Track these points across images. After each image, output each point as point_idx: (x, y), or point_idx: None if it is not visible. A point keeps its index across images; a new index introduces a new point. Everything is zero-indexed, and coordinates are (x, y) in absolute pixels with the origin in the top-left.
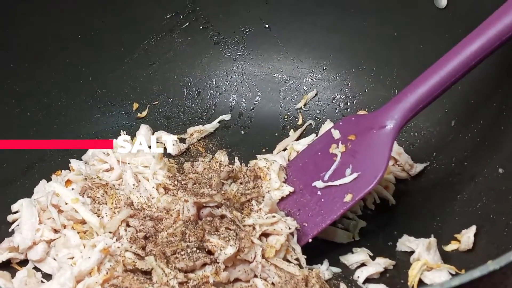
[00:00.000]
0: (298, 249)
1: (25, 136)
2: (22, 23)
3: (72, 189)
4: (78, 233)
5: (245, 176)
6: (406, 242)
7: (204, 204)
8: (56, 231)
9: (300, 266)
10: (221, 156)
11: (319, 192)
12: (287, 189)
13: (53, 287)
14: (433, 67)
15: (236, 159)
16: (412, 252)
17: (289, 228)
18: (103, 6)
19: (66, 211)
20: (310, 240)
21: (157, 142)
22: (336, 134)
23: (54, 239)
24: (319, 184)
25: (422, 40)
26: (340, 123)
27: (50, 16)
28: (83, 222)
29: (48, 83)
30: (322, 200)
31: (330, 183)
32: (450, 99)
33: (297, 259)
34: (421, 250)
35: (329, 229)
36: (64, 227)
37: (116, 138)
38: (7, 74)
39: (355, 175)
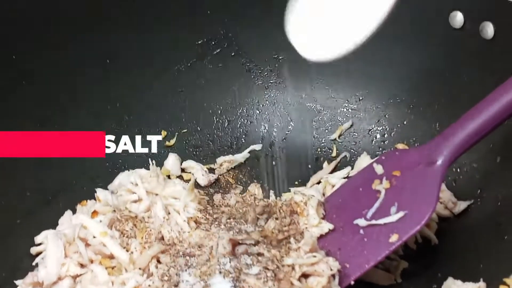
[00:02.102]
0: None
1: (48, 163)
2: (49, 49)
3: (100, 221)
4: (106, 268)
5: (281, 211)
6: (452, 286)
7: (240, 242)
8: (82, 266)
9: None
10: (255, 189)
11: (361, 231)
12: (327, 226)
13: None
14: (486, 101)
15: (272, 193)
16: None
17: (331, 269)
18: (133, 31)
19: (93, 245)
20: (352, 283)
21: (185, 172)
22: (379, 169)
23: (81, 275)
24: (361, 222)
25: (466, 73)
26: (383, 158)
27: (77, 39)
28: (111, 257)
29: (75, 109)
30: (365, 239)
31: (373, 222)
32: (495, 134)
33: None
34: None
35: (369, 269)
36: (91, 262)
37: (143, 167)
38: (33, 101)
39: (401, 213)
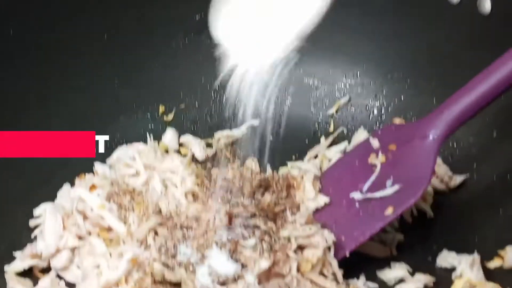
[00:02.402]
0: (335, 263)
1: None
2: (48, 21)
3: (98, 194)
4: (104, 240)
5: (278, 185)
6: (447, 258)
7: (237, 215)
8: (80, 238)
9: (337, 281)
10: (252, 164)
11: (357, 204)
12: (323, 199)
13: None
14: (481, 76)
15: (268, 166)
16: (453, 269)
17: (327, 242)
18: (131, 6)
19: (91, 218)
20: (347, 255)
21: (183, 147)
22: (375, 143)
23: (79, 247)
24: (357, 195)
25: (463, 48)
26: (380, 132)
27: (77, 14)
28: (109, 229)
29: (73, 84)
30: (361, 212)
31: (369, 195)
32: (492, 109)
33: (333, 274)
34: (464, 267)
35: (365, 242)
36: (89, 234)
37: (142, 141)
38: (32, 76)
39: (396, 187)
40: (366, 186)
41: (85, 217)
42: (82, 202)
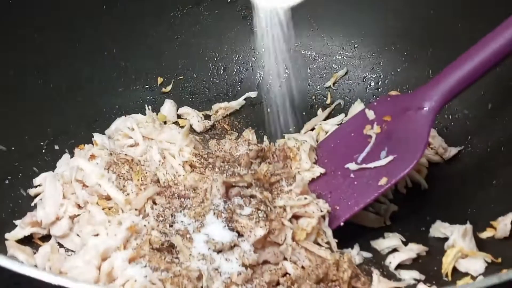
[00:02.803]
0: (329, 232)
1: (48, 108)
2: None
3: (97, 163)
4: (103, 209)
5: (274, 156)
6: (440, 228)
7: (234, 184)
8: (80, 206)
9: (331, 250)
10: (249, 135)
11: (352, 175)
12: (318, 170)
13: (78, 264)
14: (476, 47)
15: (265, 138)
16: (446, 239)
17: (321, 211)
18: None
19: (90, 187)
20: (342, 224)
21: (181, 118)
22: (370, 114)
23: (78, 215)
24: (352, 166)
25: (459, 20)
26: (375, 104)
27: None
28: (108, 198)
29: (72, 55)
30: (355, 182)
31: (364, 166)
32: (487, 81)
33: (327, 243)
34: (456, 236)
35: (360, 213)
36: (88, 203)
37: (140, 112)
38: (31, 45)
39: (390, 157)
40: (361, 157)
41: (84, 186)
42: (81, 171)
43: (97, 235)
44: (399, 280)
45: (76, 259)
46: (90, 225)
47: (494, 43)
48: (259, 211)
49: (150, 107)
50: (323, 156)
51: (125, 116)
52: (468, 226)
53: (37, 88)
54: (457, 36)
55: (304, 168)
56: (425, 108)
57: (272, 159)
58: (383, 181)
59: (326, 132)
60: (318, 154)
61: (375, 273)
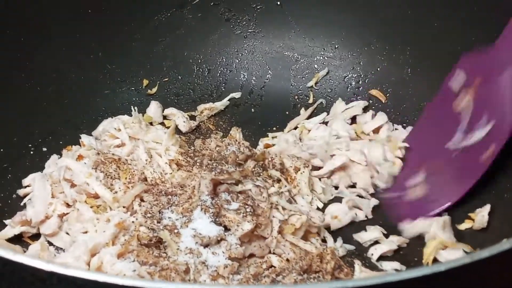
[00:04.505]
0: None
1: (35, 111)
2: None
3: (85, 163)
4: (91, 207)
5: (270, 164)
6: (417, 222)
7: (222, 181)
8: (68, 205)
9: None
10: (236, 133)
11: (453, 154)
12: (316, 203)
13: (68, 260)
14: None
15: (260, 143)
16: (425, 232)
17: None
18: None
19: (79, 186)
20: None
21: (167, 119)
22: (456, 84)
23: (67, 213)
24: (452, 145)
25: (436, 20)
26: (465, 63)
27: None
28: (96, 196)
29: (58, 58)
30: (459, 161)
31: (464, 143)
32: None
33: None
34: (435, 228)
35: None
36: (76, 201)
37: (126, 114)
38: (17, 48)
39: (489, 126)
40: (458, 135)
41: (72, 185)
42: (69, 171)
43: (86, 232)
44: (381, 271)
45: (66, 256)
46: (79, 223)
47: None
48: (246, 206)
49: (136, 108)
50: (414, 148)
51: (112, 117)
52: (447, 217)
53: (24, 91)
54: (434, 35)
55: (305, 200)
56: None
57: (268, 166)
58: (488, 152)
59: (309, 131)
60: (410, 145)
61: (357, 264)
